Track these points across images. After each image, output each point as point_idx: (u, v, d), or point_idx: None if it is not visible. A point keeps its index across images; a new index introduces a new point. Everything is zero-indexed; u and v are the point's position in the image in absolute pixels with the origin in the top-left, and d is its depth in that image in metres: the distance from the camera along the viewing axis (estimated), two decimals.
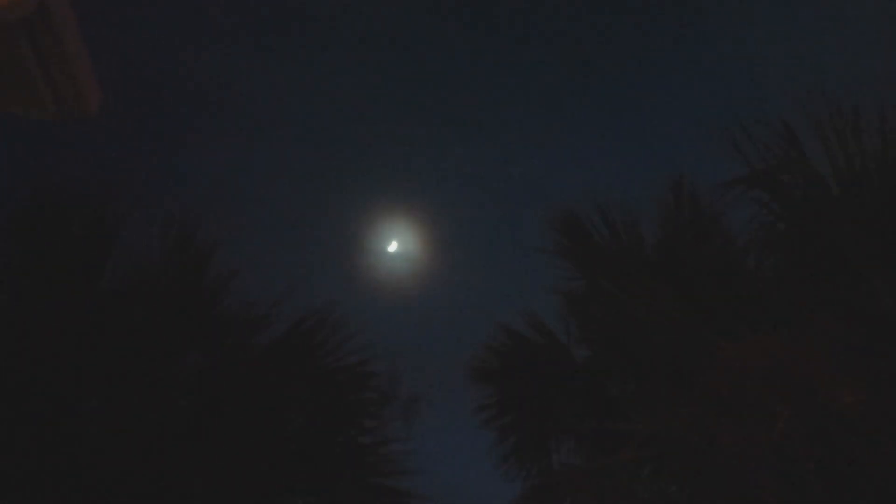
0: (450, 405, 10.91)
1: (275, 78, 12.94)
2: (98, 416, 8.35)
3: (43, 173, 8.74)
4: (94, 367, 8.27)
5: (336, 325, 9.08)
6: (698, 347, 8.35)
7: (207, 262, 8.85)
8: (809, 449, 7.54)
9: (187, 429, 8.40)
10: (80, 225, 8.63)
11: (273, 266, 11.39)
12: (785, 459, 7.54)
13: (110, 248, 8.67)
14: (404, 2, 13.11)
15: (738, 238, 9.46)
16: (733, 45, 12.34)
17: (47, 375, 8.14)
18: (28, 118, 5.91)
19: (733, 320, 8.42)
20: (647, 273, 9.39)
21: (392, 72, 13.52)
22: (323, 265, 12.78)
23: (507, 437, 10.14)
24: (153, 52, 12.40)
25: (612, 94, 13.54)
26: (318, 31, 13.07)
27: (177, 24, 12.30)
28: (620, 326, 9.27)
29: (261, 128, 13.20)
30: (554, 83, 13.45)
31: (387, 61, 13.48)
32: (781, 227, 9.06)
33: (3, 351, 8.10)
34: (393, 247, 13.52)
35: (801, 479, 7.53)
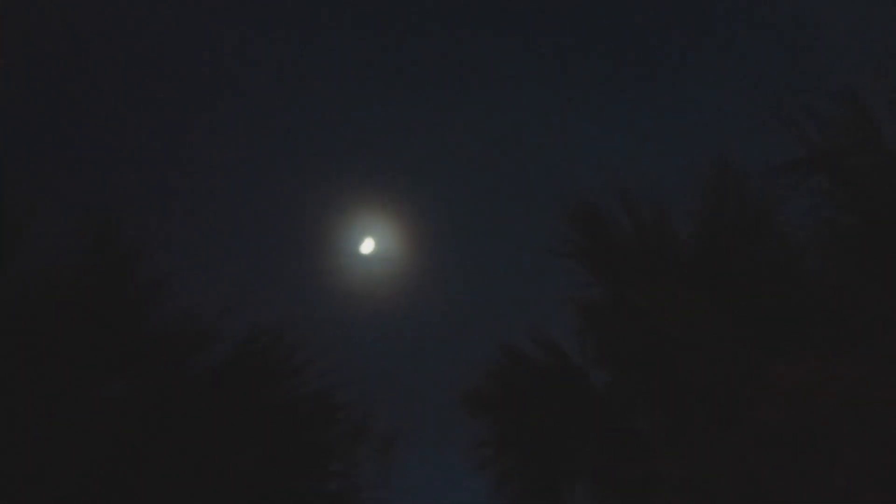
0: (437, 443, 10.62)
1: (218, 39, 12.84)
2: None
3: None
4: None
5: (296, 343, 9.01)
6: (745, 370, 8.23)
7: (134, 265, 8.77)
8: (884, 495, 7.47)
9: (109, 473, 8.25)
10: None
11: (217, 271, 11.16)
12: None
13: (13, 247, 8.61)
14: None
15: (795, 235, 9.38)
16: (788, 1, 12.29)
17: None
18: None
19: (788, 337, 8.30)
20: (682, 279, 9.27)
21: (365, 31, 13.45)
22: (280, 270, 12.58)
23: (509, 481, 9.93)
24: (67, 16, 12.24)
25: (638, 58, 13.28)
26: None
27: None
28: (649, 345, 9.16)
29: (200, 102, 13.07)
30: (566, 44, 13.36)
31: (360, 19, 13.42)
32: (848, 221, 8.88)
33: None
34: (367, 247, 13.36)
35: None
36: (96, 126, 12.58)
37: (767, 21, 12.73)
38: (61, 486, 7.68)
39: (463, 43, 13.54)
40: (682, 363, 8.92)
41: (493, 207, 13.89)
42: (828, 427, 7.70)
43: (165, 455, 8.30)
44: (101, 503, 7.79)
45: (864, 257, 8.75)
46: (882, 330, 7.65)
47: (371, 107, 13.58)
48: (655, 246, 9.72)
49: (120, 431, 8.45)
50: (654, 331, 9.09)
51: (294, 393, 8.86)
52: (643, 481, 8.53)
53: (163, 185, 12.32)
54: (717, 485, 8.13)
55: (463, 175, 14.12)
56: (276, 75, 13.27)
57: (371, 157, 13.85)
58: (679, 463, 8.21)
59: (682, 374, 8.86)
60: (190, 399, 8.67)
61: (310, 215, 13.31)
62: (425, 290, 13.55)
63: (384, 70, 13.53)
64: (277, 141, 13.49)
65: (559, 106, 13.61)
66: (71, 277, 8.48)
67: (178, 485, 8.36)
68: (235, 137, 13.37)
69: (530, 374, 10.10)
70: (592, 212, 10.00)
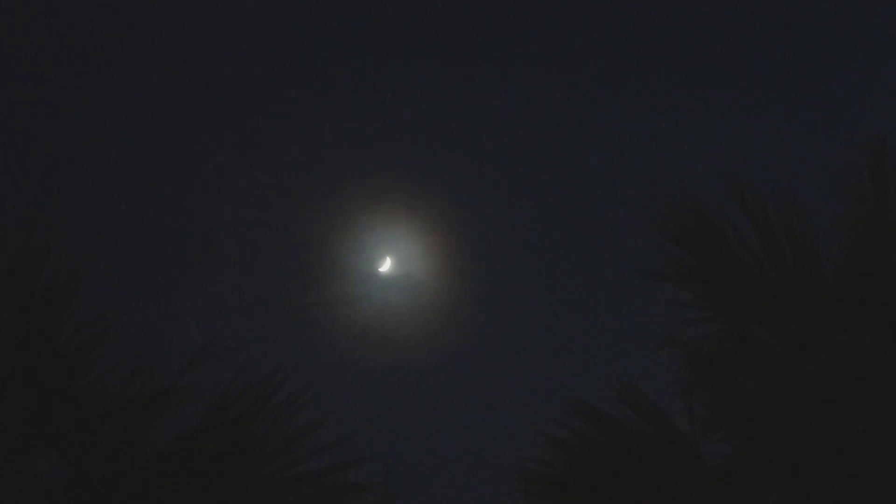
0: None
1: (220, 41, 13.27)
2: None
3: None
4: None
5: (291, 403, 8.78)
6: None
7: (70, 300, 8.55)
8: None
9: None
10: None
11: (185, 306, 11.19)
12: None
13: None
14: None
15: None
16: None
17: None
18: None
19: None
20: (829, 310, 9.07)
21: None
22: (271, 303, 12.80)
23: None
24: None
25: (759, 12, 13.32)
26: None
27: None
28: (785, 403, 8.92)
29: (163, 77, 13.30)
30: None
31: None
32: None
33: None
34: (386, 266, 13.52)
35: None
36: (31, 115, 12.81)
37: None
38: None
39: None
40: (834, 430, 8.77)
41: (555, 211, 13.68)
42: None
43: None
44: None
45: None
46: None
47: (391, 83, 13.63)
48: (791, 264, 9.44)
49: None
50: (791, 383, 8.91)
51: (286, 474, 8.72)
52: None
53: (110, 192, 12.46)
54: None
55: (511, 168, 13.98)
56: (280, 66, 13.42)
57: (388, 150, 13.78)
58: None
59: (833, 445, 8.70)
60: (147, 481, 8.59)
61: (312, 228, 13.34)
62: (463, 323, 13.45)
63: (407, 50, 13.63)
64: (270, 133, 13.67)
65: (644, 69, 13.50)
66: None
67: None
68: (215, 125, 13.61)
69: (614, 442, 9.80)
70: (701, 217, 9.71)
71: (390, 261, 13.60)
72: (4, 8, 12.78)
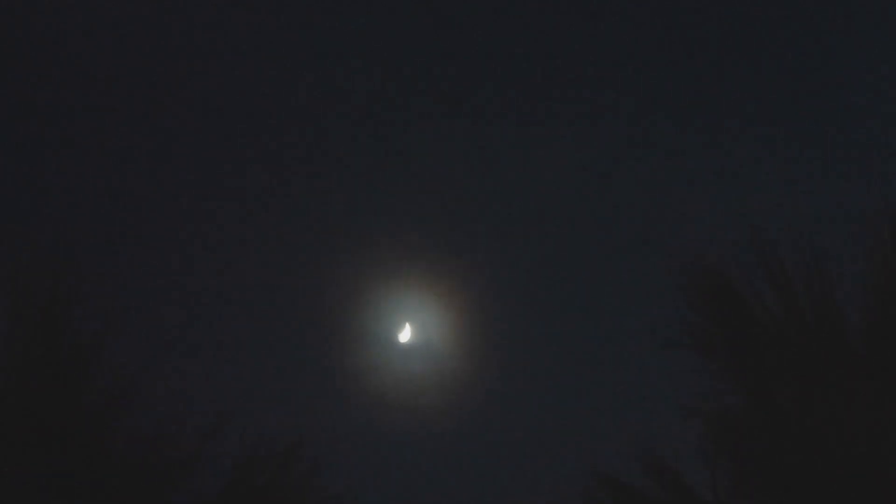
0: None
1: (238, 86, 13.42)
2: None
3: None
4: None
5: (313, 472, 8.91)
6: None
7: (90, 364, 8.63)
8: None
9: None
10: None
11: (206, 373, 11.11)
12: None
13: None
14: None
15: None
16: None
17: None
18: None
19: None
20: (856, 377, 8.95)
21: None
22: (292, 370, 12.58)
23: None
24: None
25: (789, 62, 13.35)
26: None
27: None
28: (813, 473, 8.79)
29: (183, 133, 13.39)
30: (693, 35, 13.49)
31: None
32: None
33: None
34: (406, 334, 13.44)
35: None
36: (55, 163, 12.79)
37: None
38: None
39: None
40: (860, 496, 8.62)
41: (575, 279, 13.60)
42: None
43: None
44: None
45: None
46: None
47: (412, 142, 13.64)
48: (816, 330, 9.38)
49: None
50: (819, 453, 8.83)
51: None
52: None
53: (134, 259, 12.43)
54: None
55: (531, 235, 13.94)
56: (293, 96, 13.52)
57: (408, 217, 13.72)
58: None
59: None
60: None
61: (332, 296, 13.21)
62: (484, 391, 13.32)
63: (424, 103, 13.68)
64: (286, 202, 13.61)
65: (664, 129, 13.48)
66: (3, 379, 8.56)
67: None
68: (231, 184, 13.56)
69: None
70: (722, 283, 9.68)
71: (410, 329, 13.55)
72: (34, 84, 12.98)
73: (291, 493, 8.81)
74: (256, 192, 13.76)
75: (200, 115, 13.61)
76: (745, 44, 13.75)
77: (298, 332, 13.16)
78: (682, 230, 12.14)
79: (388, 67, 13.95)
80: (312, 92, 13.94)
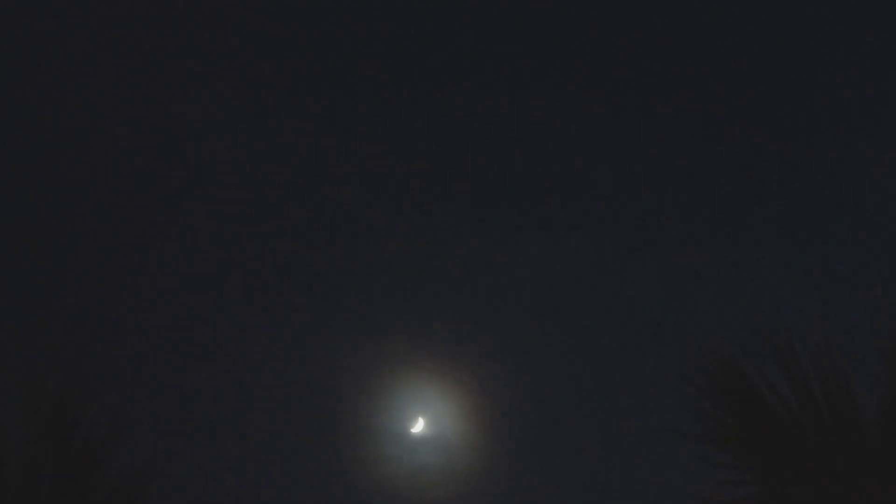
0: None
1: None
2: None
3: None
4: None
5: None
6: None
7: (102, 460, 8.60)
8: None
9: None
10: None
11: (216, 468, 10.98)
12: None
13: None
14: None
15: None
16: None
17: None
18: None
19: None
20: (871, 471, 8.95)
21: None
22: (302, 465, 12.46)
23: None
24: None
25: (804, 151, 13.38)
26: None
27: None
28: None
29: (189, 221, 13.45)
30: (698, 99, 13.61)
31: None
32: None
33: None
34: (419, 427, 13.41)
35: None
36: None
37: None
38: None
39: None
40: None
41: (586, 372, 13.48)
42: None
43: None
44: None
45: None
46: None
47: (427, 234, 13.64)
48: (831, 424, 9.31)
49: None
50: None
51: None
52: None
53: (146, 352, 12.35)
54: None
55: (542, 327, 13.85)
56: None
57: (422, 307, 13.69)
58: None
59: None
60: None
61: (344, 388, 13.12)
62: (497, 484, 13.11)
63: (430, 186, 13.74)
64: (297, 290, 13.57)
65: (681, 221, 13.45)
66: (17, 473, 8.55)
67: None
68: (238, 279, 13.51)
69: None
70: (735, 374, 9.65)
71: (422, 421, 13.42)
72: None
73: None
74: (267, 284, 13.77)
75: (207, 217, 13.66)
76: (760, 131, 13.82)
77: (311, 424, 13.05)
78: (695, 321, 12.08)
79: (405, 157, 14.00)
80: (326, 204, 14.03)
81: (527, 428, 13.39)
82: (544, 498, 12.91)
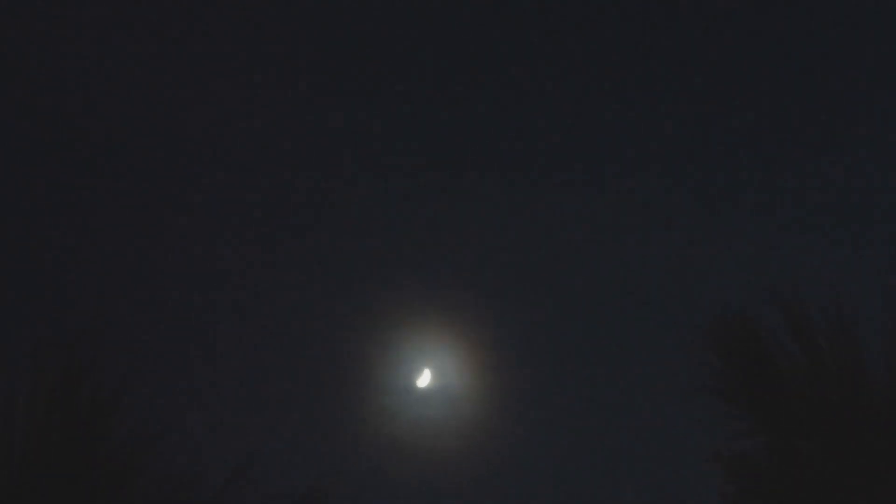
0: None
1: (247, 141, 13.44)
2: None
3: None
4: None
5: None
6: None
7: (114, 413, 8.63)
8: None
9: None
10: None
11: (226, 420, 11.09)
12: None
13: None
14: None
15: None
16: None
17: None
18: None
19: None
20: (877, 424, 8.90)
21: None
22: (310, 417, 12.52)
23: None
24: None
25: (817, 117, 13.36)
26: None
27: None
28: None
29: (201, 182, 13.43)
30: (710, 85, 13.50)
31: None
32: None
33: None
34: (425, 380, 13.38)
35: None
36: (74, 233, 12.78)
37: None
38: None
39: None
40: None
41: (595, 326, 13.52)
42: None
43: None
44: None
45: None
46: None
47: (437, 195, 13.64)
48: (837, 378, 9.33)
49: None
50: (839, 500, 8.77)
51: None
52: None
53: (154, 307, 12.43)
54: None
55: (552, 282, 13.86)
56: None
57: (429, 262, 13.70)
58: None
59: None
60: None
61: (351, 342, 13.15)
62: (504, 438, 13.19)
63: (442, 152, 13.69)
64: (304, 245, 13.57)
65: (685, 179, 13.43)
66: (26, 433, 8.58)
67: None
68: (248, 235, 13.52)
69: None
70: (745, 330, 9.67)
71: (429, 374, 13.46)
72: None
73: None
74: (277, 242, 13.78)
75: (204, 170, 13.63)
76: (770, 93, 13.79)
77: (318, 378, 13.11)
78: (708, 281, 12.12)
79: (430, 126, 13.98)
80: (332, 137, 13.98)
81: (534, 380, 13.45)
82: (551, 449, 13.00)
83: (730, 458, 9.71)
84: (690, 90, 13.82)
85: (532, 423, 13.11)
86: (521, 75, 13.97)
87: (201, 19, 13.57)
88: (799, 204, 13.24)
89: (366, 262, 13.81)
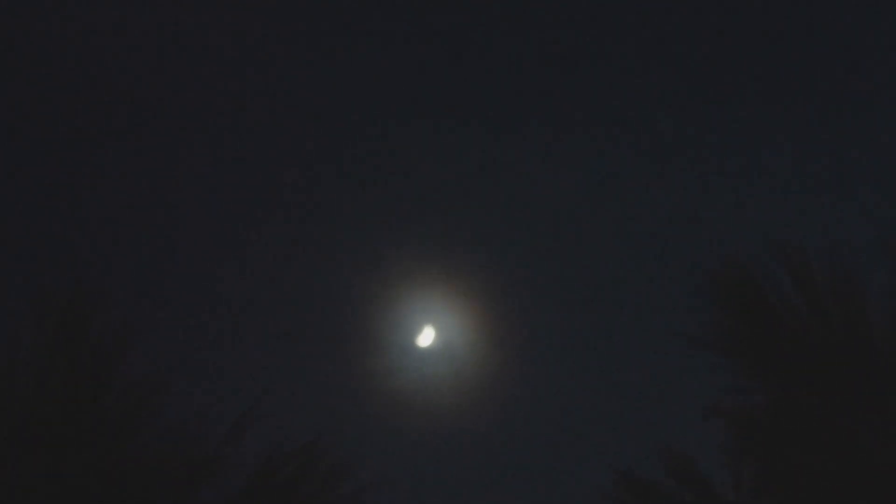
0: None
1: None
2: None
3: None
4: None
5: (332, 474, 8.88)
6: None
7: (114, 367, 8.70)
8: None
9: None
10: None
11: (227, 376, 11.15)
12: None
13: None
14: None
15: None
16: None
17: None
18: None
19: None
20: (879, 377, 8.85)
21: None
22: (310, 374, 12.54)
23: None
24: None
25: (820, 65, 13.27)
26: None
27: None
28: (836, 472, 8.73)
29: (205, 133, 13.44)
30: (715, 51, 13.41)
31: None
32: None
33: None
34: (427, 338, 13.34)
35: None
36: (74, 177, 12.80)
37: None
38: None
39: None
40: (884, 497, 8.54)
41: (596, 280, 13.55)
42: None
43: None
44: None
45: None
46: None
47: (436, 148, 13.61)
48: (840, 331, 9.30)
49: None
50: (841, 452, 8.77)
51: None
52: None
53: (153, 260, 12.44)
54: None
55: (552, 236, 13.85)
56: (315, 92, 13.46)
57: (430, 219, 13.68)
58: None
59: None
60: None
61: (352, 299, 13.21)
62: (505, 395, 13.25)
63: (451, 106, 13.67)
64: (308, 204, 13.59)
65: (687, 134, 13.41)
66: (28, 380, 8.59)
67: None
68: (252, 188, 13.55)
69: None
70: (747, 283, 9.60)
71: (431, 332, 13.50)
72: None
73: (312, 491, 8.80)
74: (278, 198, 13.79)
75: (212, 118, 13.64)
76: (774, 45, 13.71)
77: (320, 334, 13.16)
78: (708, 231, 12.10)
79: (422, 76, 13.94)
80: (336, 89, 13.93)
81: (534, 338, 13.48)
82: (553, 406, 13.06)
83: (732, 412, 9.76)
84: (699, 36, 13.78)
85: (532, 377, 13.17)
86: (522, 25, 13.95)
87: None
88: (802, 157, 13.25)
89: (368, 219, 13.82)
